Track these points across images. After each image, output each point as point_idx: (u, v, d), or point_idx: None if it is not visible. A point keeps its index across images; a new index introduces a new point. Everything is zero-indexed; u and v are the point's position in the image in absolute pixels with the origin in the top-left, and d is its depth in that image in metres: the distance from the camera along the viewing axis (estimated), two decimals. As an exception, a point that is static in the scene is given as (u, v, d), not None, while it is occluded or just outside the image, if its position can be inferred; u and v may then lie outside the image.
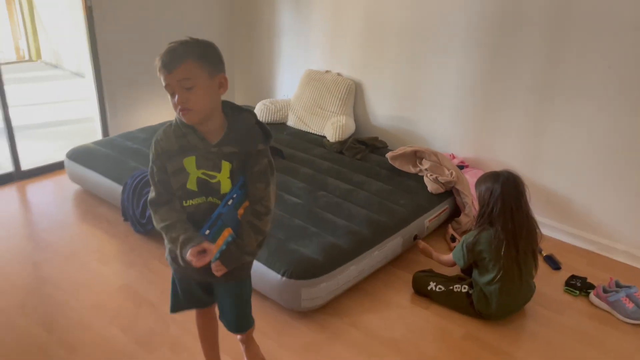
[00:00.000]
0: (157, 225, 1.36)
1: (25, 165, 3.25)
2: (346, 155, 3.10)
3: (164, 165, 1.34)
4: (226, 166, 1.32)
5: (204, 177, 1.33)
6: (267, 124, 3.50)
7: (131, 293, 2.22)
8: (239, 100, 4.18)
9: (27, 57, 6.85)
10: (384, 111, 3.39)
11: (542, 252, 2.62)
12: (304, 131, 3.46)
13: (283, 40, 3.80)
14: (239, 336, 1.55)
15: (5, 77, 3.04)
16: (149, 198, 1.39)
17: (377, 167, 2.96)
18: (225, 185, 1.33)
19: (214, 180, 1.32)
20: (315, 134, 3.41)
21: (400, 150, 2.96)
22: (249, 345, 1.59)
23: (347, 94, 3.40)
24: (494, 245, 2.02)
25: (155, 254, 2.48)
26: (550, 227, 2.82)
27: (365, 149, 3.15)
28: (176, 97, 1.23)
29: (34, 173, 3.27)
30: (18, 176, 3.21)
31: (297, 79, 3.67)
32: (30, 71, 6.51)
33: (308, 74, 3.57)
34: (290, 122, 3.55)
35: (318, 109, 3.44)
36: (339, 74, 3.50)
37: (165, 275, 2.27)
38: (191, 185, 1.33)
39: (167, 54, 1.23)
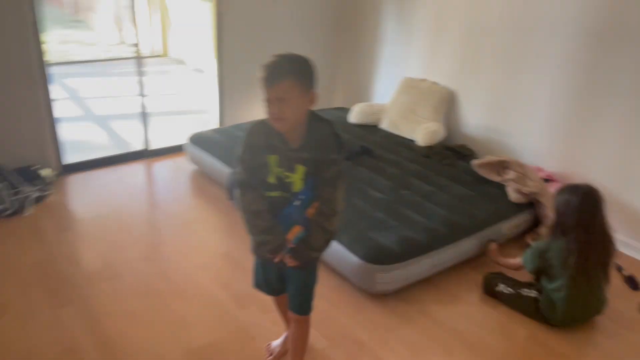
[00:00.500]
0: (245, 207, 1.52)
1: (153, 145, 3.80)
2: (433, 160, 3.27)
3: (253, 156, 1.50)
4: (300, 169, 1.47)
5: (281, 174, 1.49)
6: (362, 125, 3.78)
7: (231, 259, 2.60)
8: (339, 101, 4.48)
9: (157, 53, 7.72)
10: (476, 120, 3.51)
11: (623, 271, 2.62)
12: (396, 134, 3.67)
13: (385, 49, 4.03)
14: (295, 316, 1.69)
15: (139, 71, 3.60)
16: (238, 179, 1.53)
17: (462, 172, 3.10)
18: (298, 186, 1.48)
19: (288, 180, 1.48)
20: (406, 138, 3.61)
21: (487, 159, 3.08)
22: (299, 328, 1.73)
23: (440, 102, 3.56)
24: (564, 255, 2.11)
25: (253, 230, 2.85)
26: (636, 249, 2.78)
27: (452, 155, 3.30)
28: (272, 106, 1.40)
29: (160, 152, 3.82)
30: (147, 154, 3.77)
31: (395, 86, 3.89)
32: (159, 65, 7.34)
33: (405, 82, 3.78)
34: (384, 125, 3.77)
35: (411, 114, 3.64)
36: (434, 83, 3.67)
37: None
38: (272, 179, 1.50)
39: (269, 69, 1.39)
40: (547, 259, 2.17)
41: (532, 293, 2.25)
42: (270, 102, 1.40)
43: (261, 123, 1.52)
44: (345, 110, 4.08)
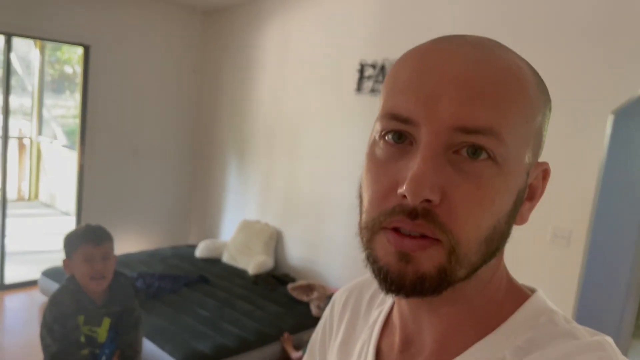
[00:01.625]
0: None
1: (8, 280, 4.11)
2: (260, 285, 4.00)
3: (64, 324, 1.58)
4: (106, 322, 1.64)
5: (88, 332, 1.63)
6: (206, 258, 4.47)
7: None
8: (192, 237, 5.17)
9: (26, 197, 7.98)
10: (296, 253, 4.37)
11: None
12: (234, 266, 4.40)
13: (229, 195, 4.93)
14: None
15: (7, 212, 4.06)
16: (50, 352, 1.59)
17: (281, 295, 3.84)
18: (102, 337, 1.65)
19: (94, 335, 1.64)
20: (240, 269, 4.34)
21: (298, 283, 3.88)
22: None
23: (269, 239, 4.41)
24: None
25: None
26: None
27: (275, 281, 4.07)
28: (97, 264, 1.58)
29: (14, 286, 4.12)
30: (1, 287, 4.06)
31: (236, 225, 4.71)
32: (28, 208, 7.58)
33: (243, 222, 4.62)
34: (224, 258, 4.50)
35: (246, 249, 4.42)
36: (266, 224, 4.55)
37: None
38: (82, 338, 1.63)
39: (95, 231, 1.64)
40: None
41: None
42: (95, 260, 1.59)
43: (65, 290, 1.65)
44: (194, 247, 4.77)
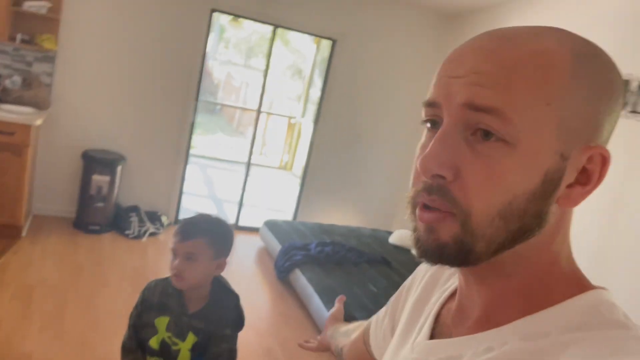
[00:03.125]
0: None
1: (242, 223, 5.13)
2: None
3: (142, 313, 1.40)
4: (191, 338, 1.36)
5: (168, 340, 1.37)
6: (397, 246, 4.70)
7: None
8: (395, 225, 5.46)
9: (284, 167, 9.51)
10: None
11: None
12: (419, 261, 4.51)
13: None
14: None
15: (264, 175, 5.04)
16: (123, 339, 1.43)
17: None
18: (185, 357, 1.37)
19: (175, 347, 1.36)
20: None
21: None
22: None
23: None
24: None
25: (282, 292, 3.87)
26: None
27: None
28: (177, 261, 1.34)
29: (245, 229, 5.12)
30: (236, 227, 5.10)
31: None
32: (282, 176, 9.05)
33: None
34: (413, 251, 4.64)
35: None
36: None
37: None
38: (154, 343, 1.38)
39: (186, 225, 1.38)
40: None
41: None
42: (176, 256, 1.36)
43: (162, 281, 1.47)
44: (384, 232, 5.06)
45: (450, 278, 0.67)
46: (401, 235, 4.80)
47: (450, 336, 0.58)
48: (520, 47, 0.48)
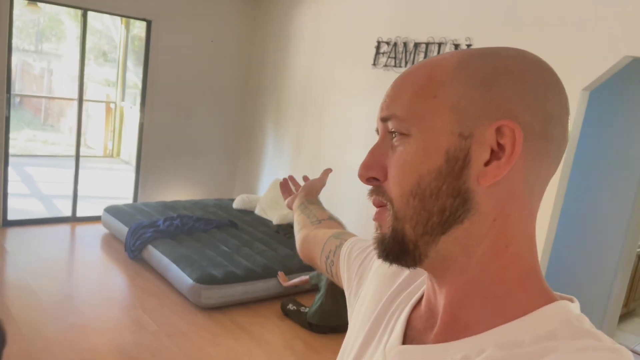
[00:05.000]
0: None
1: (80, 213, 5.02)
2: (280, 234, 4.58)
3: None
4: None
5: None
6: (241, 210, 5.11)
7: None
8: (236, 192, 5.85)
9: (110, 154, 9.14)
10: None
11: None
12: (263, 217, 5.01)
13: (266, 157, 5.53)
14: None
15: (90, 166, 4.94)
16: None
17: (293, 241, 4.38)
18: None
19: None
20: (268, 219, 4.95)
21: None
22: None
23: (295, 196, 4.96)
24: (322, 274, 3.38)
25: (138, 269, 4.02)
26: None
27: (292, 230, 4.62)
28: None
29: (83, 219, 5.03)
30: (73, 219, 4.97)
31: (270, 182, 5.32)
32: (108, 164, 8.72)
33: (274, 181, 5.21)
34: (256, 211, 5.13)
35: (275, 204, 5.02)
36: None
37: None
38: None
39: None
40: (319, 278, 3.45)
41: (303, 309, 3.46)
42: None
43: None
44: (227, 200, 5.45)
45: (400, 275, 0.69)
46: (243, 200, 5.22)
47: (421, 341, 0.58)
48: (424, 67, 0.55)
